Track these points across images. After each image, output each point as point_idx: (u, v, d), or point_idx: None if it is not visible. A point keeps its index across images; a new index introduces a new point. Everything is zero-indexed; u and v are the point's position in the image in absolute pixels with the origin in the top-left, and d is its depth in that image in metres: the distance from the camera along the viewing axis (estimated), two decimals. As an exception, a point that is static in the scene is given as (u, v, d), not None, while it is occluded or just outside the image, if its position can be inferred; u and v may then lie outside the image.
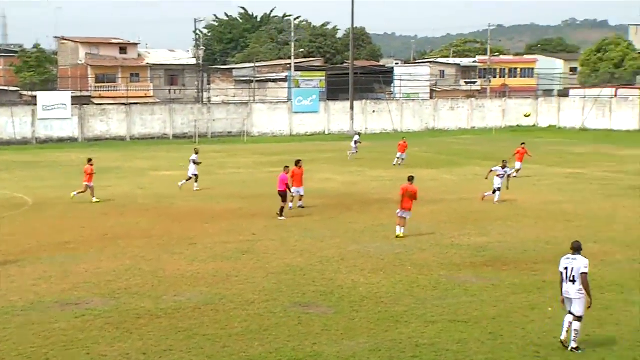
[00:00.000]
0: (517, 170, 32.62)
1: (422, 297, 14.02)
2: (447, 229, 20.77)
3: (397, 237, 19.60)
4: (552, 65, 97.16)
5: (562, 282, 11.20)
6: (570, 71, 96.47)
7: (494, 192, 25.49)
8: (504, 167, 25.92)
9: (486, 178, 27.05)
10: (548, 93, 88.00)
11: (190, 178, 29.74)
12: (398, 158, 38.69)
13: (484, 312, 13.03)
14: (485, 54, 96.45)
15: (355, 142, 43.70)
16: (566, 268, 11.14)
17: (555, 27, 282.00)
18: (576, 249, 11.27)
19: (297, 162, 24.47)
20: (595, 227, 20.89)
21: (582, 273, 11.00)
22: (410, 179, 20.32)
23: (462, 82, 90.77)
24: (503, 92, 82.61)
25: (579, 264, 11.05)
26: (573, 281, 11.04)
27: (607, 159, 40.52)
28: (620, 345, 11.28)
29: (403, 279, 15.36)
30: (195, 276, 15.72)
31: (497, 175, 25.67)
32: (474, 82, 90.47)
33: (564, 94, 79.81)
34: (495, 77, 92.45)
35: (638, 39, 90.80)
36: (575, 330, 11.05)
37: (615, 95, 68.82)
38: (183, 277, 15.68)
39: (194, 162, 29.67)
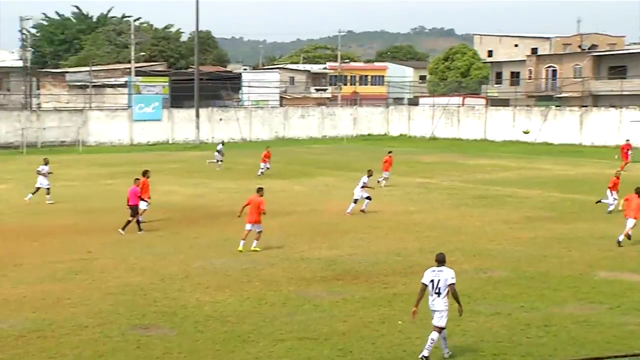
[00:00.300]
0: (386, 179, 34.34)
1: (271, 314, 14.10)
2: (297, 243, 21.04)
3: (239, 251, 19.61)
4: (402, 73, 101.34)
5: (421, 295, 11.60)
6: (420, 79, 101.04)
7: (355, 201, 26.25)
8: (369, 175, 26.84)
9: (373, 187, 28.13)
10: (399, 101, 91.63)
11: (38, 189, 29.01)
12: (262, 168, 39.22)
13: (334, 327, 13.29)
14: (335, 60, 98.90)
15: (219, 152, 43.78)
16: (432, 281, 11.54)
17: (405, 35, 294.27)
18: (441, 260, 11.74)
19: (145, 173, 24.05)
20: (444, 237, 21.89)
21: (450, 284, 11.49)
22: (259, 190, 20.42)
23: (312, 89, 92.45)
24: (354, 100, 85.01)
25: (445, 275, 11.52)
26: (439, 294, 11.49)
27: (455, 168, 42.70)
28: (466, 356, 11.87)
29: (251, 296, 15.38)
30: (20, 300, 14.93)
31: (363, 187, 26.46)
32: (325, 90, 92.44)
33: (414, 102, 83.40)
34: (346, 84, 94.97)
35: (483, 48, 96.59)
36: (431, 339, 11.54)
37: (463, 104, 72.80)
38: (6, 302, 14.84)
39: (40, 173, 29.01)
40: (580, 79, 72.08)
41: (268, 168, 39.44)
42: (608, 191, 26.47)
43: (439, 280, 11.51)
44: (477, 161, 47.40)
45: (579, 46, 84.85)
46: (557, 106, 66.70)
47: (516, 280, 16.66)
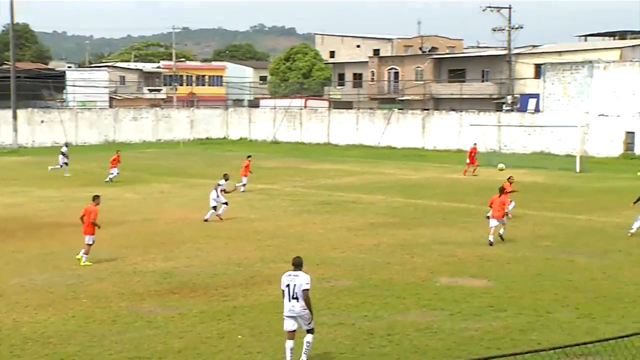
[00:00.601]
0: (244, 185, 34.73)
1: (99, 333, 13.64)
2: (130, 254, 20.52)
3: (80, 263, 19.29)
4: (241, 73, 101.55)
5: (284, 299, 11.91)
6: (261, 80, 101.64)
7: (214, 208, 26.40)
8: (227, 179, 27.30)
9: (230, 192, 28.18)
10: (238, 103, 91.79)
11: None
12: (112, 174, 38.39)
13: (169, 345, 13.06)
14: (170, 58, 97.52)
15: (63, 154, 42.24)
16: (288, 285, 11.80)
17: (244, 33, 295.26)
18: (297, 265, 11.99)
19: None
20: (286, 246, 22.09)
21: (303, 290, 11.74)
22: (95, 198, 20.09)
23: (145, 89, 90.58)
24: (191, 102, 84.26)
25: (300, 280, 11.77)
26: (297, 298, 11.76)
27: (298, 174, 43.29)
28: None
29: (77, 314, 14.82)
30: None
31: (220, 192, 26.67)
32: (159, 90, 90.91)
33: (254, 104, 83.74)
34: (181, 84, 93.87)
35: (324, 48, 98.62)
36: (307, 342, 11.83)
37: (305, 107, 74.01)
38: None
39: None
40: (422, 82, 75.35)
41: (118, 173, 38.60)
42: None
43: (294, 285, 11.77)
44: (320, 166, 48.28)
45: (420, 48, 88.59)
46: (399, 109, 69.34)
47: (360, 289, 17.09)
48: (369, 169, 46.11)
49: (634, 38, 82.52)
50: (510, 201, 24.88)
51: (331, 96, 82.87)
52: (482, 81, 74.32)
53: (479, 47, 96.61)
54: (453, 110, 64.58)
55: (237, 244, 22.33)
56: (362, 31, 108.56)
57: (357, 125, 67.34)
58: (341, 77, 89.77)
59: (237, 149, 63.13)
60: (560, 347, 6.92)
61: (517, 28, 68.25)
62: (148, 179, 39.75)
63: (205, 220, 26.10)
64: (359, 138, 66.84)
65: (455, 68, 76.56)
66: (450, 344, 13.07)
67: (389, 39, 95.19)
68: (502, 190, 22.63)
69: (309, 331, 11.95)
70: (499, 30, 68.92)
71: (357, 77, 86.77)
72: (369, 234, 24.01)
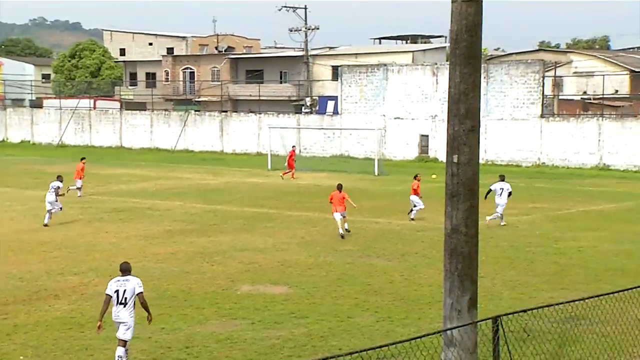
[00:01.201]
0: (79, 189, 35.02)
1: None
2: None
3: None
4: (21, 71, 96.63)
5: (105, 307, 12.14)
6: (43, 78, 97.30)
7: (50, 212, 27.14)
8: (61, 180, 28.14)
9: (64, 194, 28.50)
10: (18, 103, 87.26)
11: None
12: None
13: (-58, 373, 12.21)
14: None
15: None
16: (117, 291, 12.11)
17: (22, 26, 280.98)
18: (125, 270, 12.33)
19: None
20: (76, 257, 21.44)
21: (138, 293, 12.13)
22: None
23: None
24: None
25: (132, 284, 12.16)
26: (125, 304, 12.08)
27: (88, 179, 41.89)
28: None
29: None
30: None
31: (55, 196, 27.41)
32: None
33: (37, 104, 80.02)
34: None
35: (114, 45, 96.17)
36: (119, 356, 11.90)
37: (94, 108, 71.84)
38: None
39: None
40: (219, 83, 75.53)
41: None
42: (414, 196, 28.55)
43: (125, 290, 12.07)
44: (112, 171, 47.16)
45: (216, 47, 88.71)
46: (196, 111, 69.11)
47: (157, 300, 16.87)
48: (165, 174, 45.61)
49: (425, 42, 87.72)
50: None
51: (123, 96, 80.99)
52: (280, 82, 75.71)
53: (276, 47, 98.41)
54: (252, 112, 65.29)
55: (19, 257, 21.36)
56: (154, 28, 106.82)
57: (152, 128, 66.36)
58: (133, 76, 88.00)
59: (19, 153, 60.10)
60: (357, 352, 7.23)
61: (313, 29, 70.34)
62: None
63: (46, 225, 26.73)
64: (154, 141, 65.90)
65: (253, 69, 77.44)
66: (252, 353, 13.22)
67: (184, 37, 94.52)
68: (339, 188, 25.62)
69: (122, 343, 12.10)
70: (295, 30, 70.66)
71: (151, 77, 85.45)
72: (165, 242, 23.77)
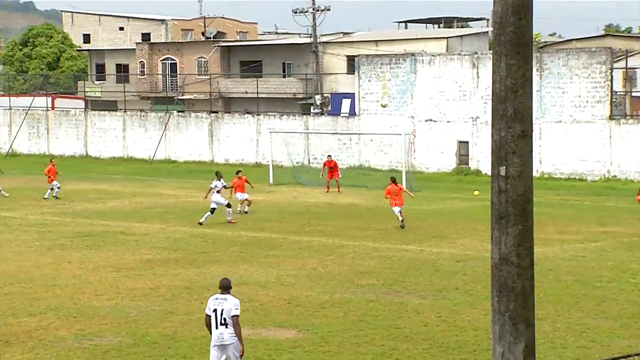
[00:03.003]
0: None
1: None
2: None
3: None
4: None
5: (210, 327, 13.65)
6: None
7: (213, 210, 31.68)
8: (220, 177, 32.12)
9: None
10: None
11: None
12: (56, 186, 41.82)
13: None
14: None
15: None
16: (215, 310, 13.51)
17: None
18: (225, 287, 13.74)
19: None
20: (32, 293, 21.50)
21: (233, 316, 13.42)
22: None
23: None
24: None
25: (229, 304, 13.52)
26: (225, 324, 13.47)
27: (41, 195, 42.08)
28: None
29: None
30: None
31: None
32: None
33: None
34: None
35: (76, 30, 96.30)
36: None
37: (53, 108, 72.10)
38: None
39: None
40: (207, 77, 75.68)
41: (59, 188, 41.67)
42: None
43: (222, 310, 13.48)
44: (76, 185, 47.27)
45: (203, 33, 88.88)
46: (179, 111, 69.30)
47: (133, 347, 16.87)
48: (142, 190, 45.68)
49: (462, 26, 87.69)
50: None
51: (88, 93, 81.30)
52: (283, 76, 75.82)
53: (277, 33, 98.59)
54: (249, 113, 65.38)
55: (-36, 294, 21.40)
56: (125, 9, 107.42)
57: (125, 133, 66.55)
58: (101, 68, 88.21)
59: (-42, 163, 60.24)
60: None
61: (323, 10, 70.46)
62: None
63: (200, 224, 32.16)
64: (127, 149, 66.08)
65: (249, 59, 77.58)
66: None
67: (162, 20, 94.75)
68: (394, 181, 33.28)
69: None
70: (301, 12, 70.74)
71: (123, 70, 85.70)
72: (143, 275, 23.80)
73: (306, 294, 21.48)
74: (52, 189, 41.90)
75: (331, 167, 45.73)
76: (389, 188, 32.92)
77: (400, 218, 31.94)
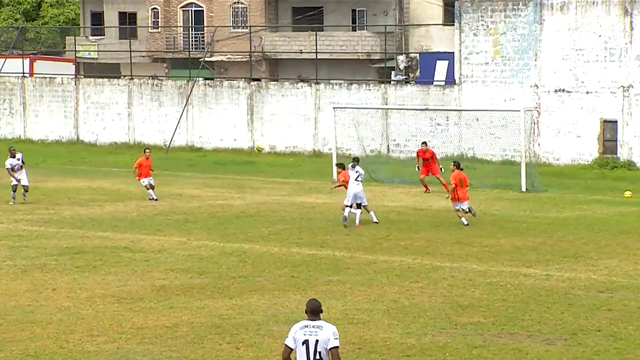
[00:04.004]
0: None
1: None
2: None
3: None
4: None
5: None
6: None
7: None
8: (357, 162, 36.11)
9: None
10: None
11: None
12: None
13: None
14: None
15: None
16: (307, 342, 13.85)
17: None
18: (317, 311, 14.11)
19: None
20: (2, 333, 21.77)
21: (332, 348, 13.83)
22: None
23: None
24: None
25: (325, 334, 13.88)
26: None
27: (22, 197, 42.53)
28: None
29: None
30: None
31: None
32: None
33: None
34: None
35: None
36: None
37: (32, 74, 72.76)
38: None
39: None
40: (246, 30, 75.62)
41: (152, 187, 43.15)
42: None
43: (316, 341, 13.86)
44: (63, 183, 47.94)
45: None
46: (207, 79, 69.42)
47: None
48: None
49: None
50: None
51: (80, 54, 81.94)
52: (353, 29, 75.66)
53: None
54: (303, 80, 65.35)
55: None
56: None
57: (131, 109, 66.96)
58: (98, 19, 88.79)
59: None
60: None
61: None
62: None
63: None
64: (134, 132, 66.49)
65: (305, 6, 77.57)
66: None
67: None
68: (458, 166, 36.26)
69: None
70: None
71: (128, 20, 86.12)
72: (156, 308, 23.96)
73: (383, 336, 21.45)
74: (148, 187, 43.04)
75: (426, 158, 45.17)
76: (455, 175, 36.03)
77: (463, 218, 35.36)
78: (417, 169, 45.41)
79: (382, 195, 43.81)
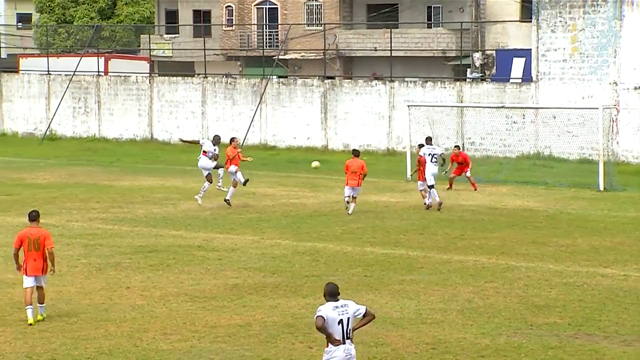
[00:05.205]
0: None
1: None
2: None
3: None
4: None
5: (325, 330, 15.40)
6: (20, 22, 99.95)
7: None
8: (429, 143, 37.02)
9: None
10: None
11: None
12: None
13: None
14: None
15: None
16: (341, 321, 15.40)
17: None
18: (336, 293, 15.65)
19: None
20: (77, 331, 21.93)
21: (364, 314, 15.75)
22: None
23: None
24: None
25: (352, 309, 15.63)
26: (351, 338, 15.52)
27: (95, 196, 42.82)
28: None
29: None
30: None
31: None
32: None
33: (9, 65, 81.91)
34: None
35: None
36: None
37: (106, 72, 73.18)
38: None
39: None
40: (321, 28, 75.66)
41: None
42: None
43: (348, 319, 15.52)
44: (137, 181, 48.24)
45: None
46: (281, 77, 69.54)
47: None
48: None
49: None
50: None
51: (155, 52, 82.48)
52: (429, 26, 75.50)
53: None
54: (378, 79, 65.26)
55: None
56: None
57: (205, 107, 67.25)
58: (172, 17, 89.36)
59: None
60: None
61: None
62: None
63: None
64: (208, 129, 66.72)
65: (379, 3, 77.51)
66: None
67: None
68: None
69: None
70: None
71: (203, 19, 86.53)
72: (229, 307, 24.07)
73: (457, 336, 21.42)
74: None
75: (460, 162, 45.08)
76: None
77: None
78: (444, 173, 44.98)
79: (456, 195, 43.66)
